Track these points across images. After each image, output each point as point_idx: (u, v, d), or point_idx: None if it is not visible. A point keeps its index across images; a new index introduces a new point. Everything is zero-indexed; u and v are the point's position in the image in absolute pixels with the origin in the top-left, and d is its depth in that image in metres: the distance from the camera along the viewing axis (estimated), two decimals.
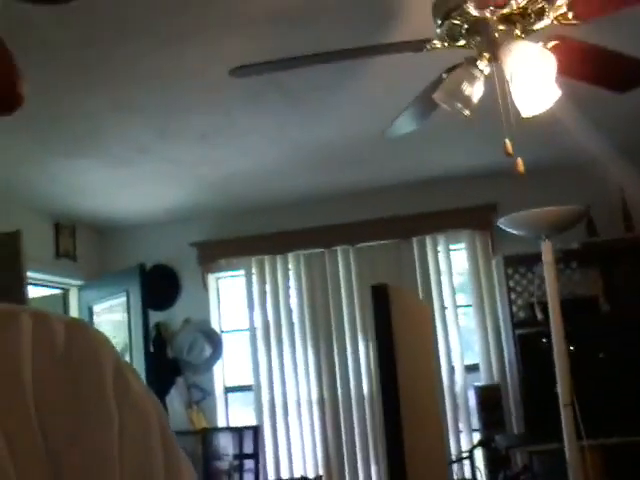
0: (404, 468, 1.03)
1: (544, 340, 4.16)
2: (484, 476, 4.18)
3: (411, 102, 2.63)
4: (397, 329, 1.17)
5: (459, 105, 2.17)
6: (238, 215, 5.18)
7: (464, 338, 4.95)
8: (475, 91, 2.16)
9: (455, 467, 4.50)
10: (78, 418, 0.47)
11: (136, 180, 4.29)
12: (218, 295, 5.46)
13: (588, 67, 2.36)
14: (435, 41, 2.10)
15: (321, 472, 4.86)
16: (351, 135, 3.89)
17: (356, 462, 4.88)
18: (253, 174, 4.43)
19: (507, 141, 2.10)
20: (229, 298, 5.51)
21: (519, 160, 2.15)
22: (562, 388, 2.91)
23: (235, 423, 5.21)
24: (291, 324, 5.12)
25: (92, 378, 0.49)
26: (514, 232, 3.07)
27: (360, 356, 4.97)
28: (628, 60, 2.37)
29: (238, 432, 5.00)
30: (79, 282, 5.16)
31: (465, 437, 4.72)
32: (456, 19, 2.05)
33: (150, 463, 0.49)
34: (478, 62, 2.11)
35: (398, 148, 3.94)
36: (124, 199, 4.72)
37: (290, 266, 5.17)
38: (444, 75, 2.34)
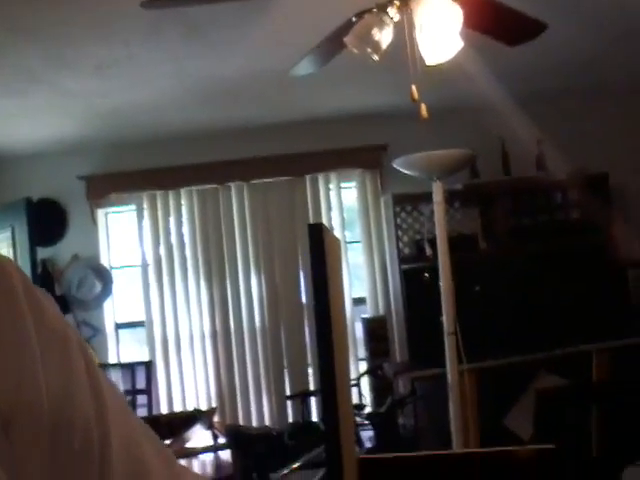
0: (334, 387, 1.15)
1: (426, 275, 4.46)
2: (371, 402, 4.49)
3: (318, 43, 2.68)
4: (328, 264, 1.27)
5: (369, 50, 2.26)
6: (130, 149, 5.03)
7: (352, 272, 5.18)
8: (384, 37, 2.24)
9: None
10: None
11: (24, 110, 4.05)
12: (107, 231, 5.34)
13: (485, 20, 2.50)
14: None
15: (214, 404, 4.99)
16: (249, 72, 3.87)
17: (248, 393, 5.05)
18: (148, 107, 4.31)
19: (413, 87, 2.21)
20: (119, 234, 5.40)
21: (423, 105, 2.28)
22: (447, 318, 3.17)
23: (127, 359, 5.21)
24: (184, 259, 5.12)
25: (5, 300, 0.45)
26: (408, 172, 3.23)
27: (252, 290, 5.09)
28: (520, 17, 2.54)
29: (130, 368, 5.01)
30: None
31: (352, 366, 5.00)
32: None
33: (76, 387, 0.46)
34: (389, 9, 2.19)
35: (294, 86, 3.96)
36: (9, 129, 4.44)
37: (183, 202, 5.13)
38: (353, 19, 2.40)
